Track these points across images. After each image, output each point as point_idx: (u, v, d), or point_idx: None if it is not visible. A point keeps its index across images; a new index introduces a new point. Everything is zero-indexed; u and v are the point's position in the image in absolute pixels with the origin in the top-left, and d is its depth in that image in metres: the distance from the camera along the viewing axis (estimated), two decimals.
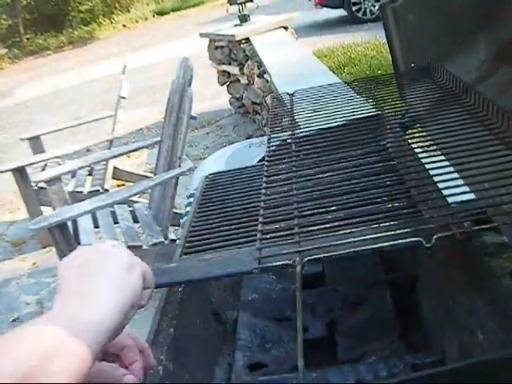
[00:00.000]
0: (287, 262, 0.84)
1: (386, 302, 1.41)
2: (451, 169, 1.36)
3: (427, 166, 1.36)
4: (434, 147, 1.51)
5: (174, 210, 3.75)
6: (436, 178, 1.28)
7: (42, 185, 4.26)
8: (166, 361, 1.13)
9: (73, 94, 11.51)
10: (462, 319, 1.15)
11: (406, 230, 0.92)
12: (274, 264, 0.88)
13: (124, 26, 22.38)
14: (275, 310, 1.45)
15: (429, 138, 1.56)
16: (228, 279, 1.62)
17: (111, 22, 22.80)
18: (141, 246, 3.49)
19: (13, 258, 4.78)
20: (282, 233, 0.98)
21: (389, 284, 1.47)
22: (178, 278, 1.21)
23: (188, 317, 1.31)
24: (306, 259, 0.82)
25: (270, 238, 0.97)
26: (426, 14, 1.87)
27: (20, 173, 4.45)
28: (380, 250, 0.99)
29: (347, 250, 0.87)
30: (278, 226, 1.00)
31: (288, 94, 1.87)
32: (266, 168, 1.31)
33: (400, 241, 0.89)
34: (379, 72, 5.61)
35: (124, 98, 5.08)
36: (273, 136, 1.57)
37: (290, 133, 1.61)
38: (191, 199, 2.05)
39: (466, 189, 1.28)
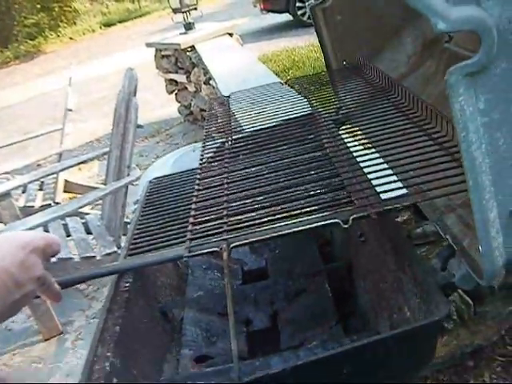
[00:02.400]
0: (215, 248, 0.88)
1: (325, 291, 1.47)
2: (381, 160, 1.42)
3: (359, 160, 1.43)
4: (365, 140, 1.58)
5: (126, 219, 3.76)
6: (366, 170, 1.34)
7: None
8: (112, 357, 1.17)
9: (20, 109, 11.37)
10: (392, 299, 1.21)
11: (326, 213, 0.97)
12: (203, 251, 0.92)
13: (71, 38, 22.18)
14: (219, 305, 1.50)
15: (360, 132, 1.63)
16: (175, 279, 1.66)
17: (58, 36, 22.57)
18: (94, 257, 3.49)
19: None
20: (211, 225, 1.03)
21: (327, 274, 1.53)
22: (113, 268, 1.25)
23: (135, 316, 1.35)
24: (232, 245, 0.87)
25: (201, 230, 1.02)
26: (354, 14, 1.94)
27: None
28: (300, 232, 1.05)
29: (270, 235, 0.92)
30: (208, 220, 1.05)
31: (224, 96, 1.92)
32: (199, 170, 1.36)
33: (319, 223, 0.95)
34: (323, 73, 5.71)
35: (71, 110, 5.06)
36: (208, 138, 1.62)
37: (225, 134, 1.66)
38: (136, 205, 2.08)
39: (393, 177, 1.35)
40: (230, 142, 1.53)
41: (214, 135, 1.66)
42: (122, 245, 3.53)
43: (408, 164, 1.30)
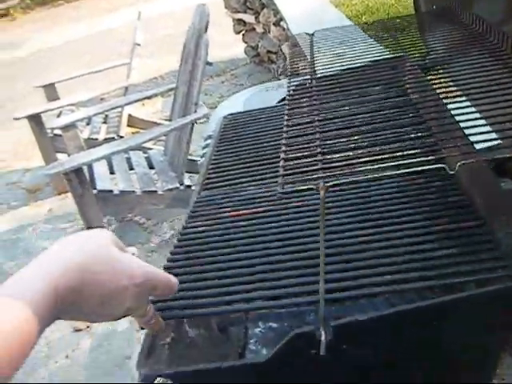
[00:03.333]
0: (311, 186, 0.84)
1: None
2: (473, 109, 1.35)
3: (449, 107, 1.35)
4: (455, 88, 1.50)
5: (189, 156, 3.75)
6: (458, 118, 1.27)
7: (58, 132, 4.28)
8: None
9: (86, 44, 11.41)
10: None
11: (430, 157, 0.92)
12: (298, 188, 0.88)
13: None
14: None
15: (451, 79, 1.54)
16: None
17: None
18: (156, 192, 3.51)
19: (28, 205, 4.80)
20: (304, 162, 0.99)
21: None
22: None
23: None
24: (330, 183, 0.83)
25: (294, 165, 0.98)
26: None
27: (35, 120, 4.46)
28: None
29: (372, 175, 0.87)
30: (300, 157, 1.00)
31: (307, 34, 1.86)
32: (287, 103, 1.31)
33: (424, 167, 0.89)
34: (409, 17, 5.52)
35: (139, 44, 5.05)
36: (293, 74, 1.56)
37: (310, 72, 1.60)
38: (209, 141, 2.05)
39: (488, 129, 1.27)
40: (315, 81, 1.48)
41: (298, 72, 1.60)
42: (185, 181, 3.54)
43: (505, 115, 1.22)
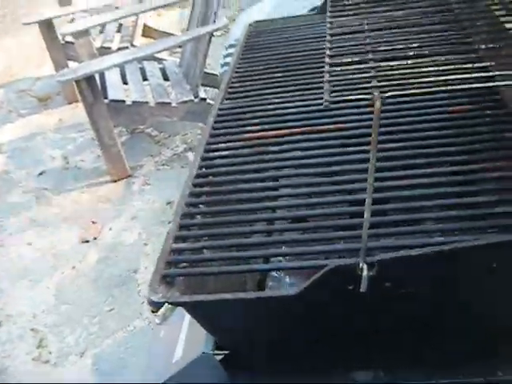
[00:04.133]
0: (365, 96, 0.71)
1: None
2: None
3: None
4: None
5: (206, 70, 3.60)
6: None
7: (70, 39, 4.13)
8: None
9: None
10: None
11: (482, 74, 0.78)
12: (350, 98, 0.75)
13: None
14: None
15: None
16: None
17: None
18: (170, 104, 3.38)
19: (39, 113, 4.68)
20: (354, 66, 0.85)
21: None
22: None
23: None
24: (386, 94, 0.70)
25: (342, 71, 0.84)
26: None
27: (47, 26, 4.29)
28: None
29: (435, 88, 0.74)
30: (349, 60, 0.87)
31: None
32: (330, 8, 1.15)
33: (486, 84, 0.76)
34: None
35: None
36: None
37: None
38: (231, 50, 1.91)
39: None
40: None
41: None
42: (200, 94, 3.40)
43: None
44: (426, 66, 0.83)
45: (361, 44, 0.98)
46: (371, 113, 0.71)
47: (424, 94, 0.88)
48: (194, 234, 1.01)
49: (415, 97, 0.93)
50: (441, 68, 0.82)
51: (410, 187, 0.96)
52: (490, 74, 0.79)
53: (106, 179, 3.56)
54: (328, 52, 0.90)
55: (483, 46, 1.06)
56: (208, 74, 3.68)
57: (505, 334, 1.00)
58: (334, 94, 0.76)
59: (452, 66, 0.83)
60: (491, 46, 1.06)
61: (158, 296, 0.88)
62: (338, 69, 0.84)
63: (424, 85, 0.77)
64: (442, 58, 0.89)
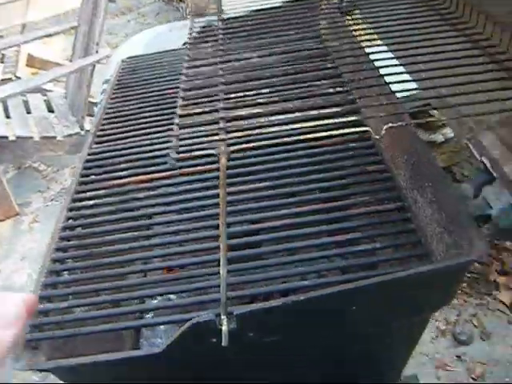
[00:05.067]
0: (211, 151, 0.71)
1: None
2: (391, 54, 1.24)
3: (367, 52, 1.23)
4: (374, 31, 1.38)
5: (91, 99, 3.53)
6: (377, 64, 1.15)
7: None
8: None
9: None
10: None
11: (354, 117, 0.79)
12: (196, 154, 0.74)
13: None
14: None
15: (369, 23, 1.42)
16: None
17: None
18: (55, 137, 3.29)
19: None
20: (204, 117, 0.84)
21: None
22: None
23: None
24: (232, 148, 0.69)
25: (191, 123, 0.83)
26: None
27: None
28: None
29: (278, 141, 0.74)
30: (200, 111, 0.86)
31: None
32: (188, 47, 1.15)
33: (349, 129, 0.77)
34: None
35: None
36: (197, 14, 1.40)
37: (216, 13, 1.44)
38: (106, 85, 1.87)
39: (408, 78, 1.16)
40: (221, 22, 1.31)
41: (202, 13, 1.44)
42: (86, 126, 3.34)
43: (434, 69, 1.10)
44: (284, 112, 0.83)
45: (213, 85, 0.97)
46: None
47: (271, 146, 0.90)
48: (61, 292, 0.97)
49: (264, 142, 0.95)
50: (300, 114, 0.82)
51: (261, 230, 0.97)
52: (354, 117, 0.80)
53: None
54: (180, 102, 0.89)
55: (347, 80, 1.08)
56: (92, 103, 3.61)
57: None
58: (182, 149, 0.75)
59: (316, 112, 0.83)
60: (354, 77, 1.08)
61: (21, 364, 0.84)
62: (188, 121, 0.83)
63: (278, 133, 0.77)
64: (305, 100, 0.90)
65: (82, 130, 3.34)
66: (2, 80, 4.22)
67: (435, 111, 1.99)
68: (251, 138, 0.77)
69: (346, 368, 0.99)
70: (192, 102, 0.89)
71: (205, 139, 0.75)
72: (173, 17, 6.19)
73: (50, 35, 4.41)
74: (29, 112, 3.62)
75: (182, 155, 0.74)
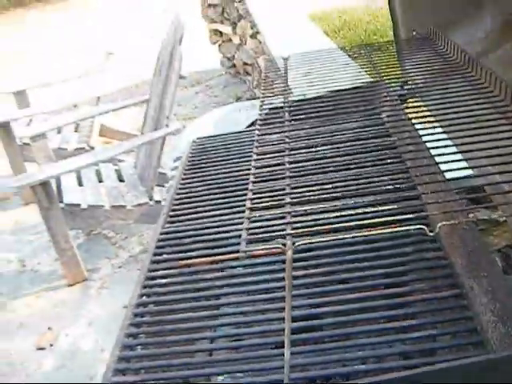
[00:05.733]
0: (278, 246, 0.77)
1: None
2: (450, 142, 1.29)
3: (426, 140, 1.29)
4: (434, 120, 1.45)
5: (160, 170, 3.68)
6: (434, 152, 1.21)
7: (27, 141, 4.17)
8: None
9: (58, 50, 11.15)
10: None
11: (409, 215, 0.85)
12: (264, 247, 0.81)
13: None
14: None
15: (428, 110, 1.49)
16: None
17: None
18: (125, 207, 3.43)
19: None
20: (272, 212, 0.92)
21: None
22: None
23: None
24: (297, 244, 0.76)
25: (259, 216, 0.90)
26: None
27: (4, 128, 4.34)
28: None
29: (340, 237, 0.80)
30: (268, 205, 0.93)
31: (282, 58, 1.79)
32: (256, 137, 1.24)
33: (403, 228, 0.83)
34: (374, 37, 5.50)
35: (112, 53, 4.96)
36: (265, 101, 1.49)
37: (282, 98, 1.53)
38: (177, 163, 1.98)
39: (465, 164, 1.22)
40: (288, 107, 1.40)
41: (271, 97, 1.53)
42: (155, 196, 3.46)
43: (481, 150, 1.15)
44: (346, 208, 0.90)
45: (281, 177, 1.05)
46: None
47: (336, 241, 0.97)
48: (134, 366, 1.04)
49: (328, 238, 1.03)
50: (360, 211, 0.88)
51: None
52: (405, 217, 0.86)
53: (63, 283, 3.52)
54: (249, 195, 0.97)
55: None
56: (162, 174, 3.76)
57: None
58: (250, 245, 0.82)
59: (375, 209, 0.90)
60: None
61: None
62: (257, 214, 0.90)
63: (341, 229, 0.83)
64: (366, 198, 0.96)
65: (150, 199, 3.46)
66: (76, 149, 4.45)
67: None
68: (315, 231, 0.83)
69: None
70: (260, 196, 0.96)
71: (272, 234, 0.82)
72: (240, 90, 6.40)
73: (123, 107, 4.64)
74: (100, 181, 3.80)
75: (250, 249, 0.81)
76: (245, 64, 6.33)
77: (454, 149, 1.26)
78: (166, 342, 1.05)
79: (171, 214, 1.38)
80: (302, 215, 0.89)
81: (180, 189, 1.49)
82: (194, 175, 1.54)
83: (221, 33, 6.96)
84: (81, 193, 3.64)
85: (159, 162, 3.54)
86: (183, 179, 1.53)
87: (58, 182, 3.61)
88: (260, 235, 0.84)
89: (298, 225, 0.86)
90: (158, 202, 3.47)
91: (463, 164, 1.21)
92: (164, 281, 1.18)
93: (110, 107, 4.41)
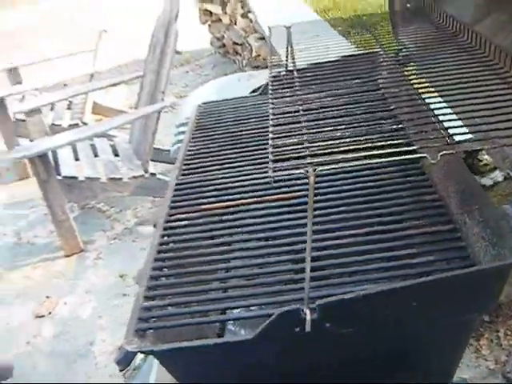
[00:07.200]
0: (301, 171, 0.88)
1: None
2: (445, 104, 1.40)
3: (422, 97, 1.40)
4: (429, 84, 1.55)
5: (155, 146, 3.75)
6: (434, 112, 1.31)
7: (21, 116, 4.22)
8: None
9: (47, 28, 11.09)
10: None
11: (413, 147, 0.97)
12: (290, 172, 0.92)
13: None
14: None
15: (424, 75, 1.59)
16: None
17: None
18: (121, 179, 3.51)
19: None
20: (293, 147, 1.02)
21: None
22: None
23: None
24: (318, 169, 0.87)
25: (283, 152, 1.01)
26: None
27: None
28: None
29: (359, 162, 0.91)
30: (288, 142, 1.04)
31: (285, 26, 1.88)
32: (271, 92, 1.34)
33: (408, 156, 0.94)
34: (364, 17, 5.59)
35: (105, 31, 5.01)
36: (274, 65, 1.59)
37: (289, 63, 1.63)
38: (182, 128, 2.07)
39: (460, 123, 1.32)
40: (296, 72, 1.50)
41: (277, 64, 1.63)
42: (150, 169, 3.54)
43: (477, 111, 1.26)
44: (357, 144, 1.01)
45: (297, 122, 1.16)
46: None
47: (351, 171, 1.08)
48: (160, 293, 1.14)
49: (345, 169, 1.15)
50: (370, 145, 1.00)
51: (343, 246, 1.14)
52: (411, 148, 0.97)
53: (59, 254, 3.61)
54: (271, 135, 1.07)
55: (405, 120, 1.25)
56: (156, 149, 3.83)
57: None
58: (277, 171, 0.92)
59: (381, 144, 1.01)
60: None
61: (133, 346, 1.01)
62: (280, 149, 1.00)
63: (353, 159, 0.94)
64: (373, 136, 1.07)
65: (146, 172, 3.55)
66: (70, 125, 4.51)
67: (486, 156, 2.13)
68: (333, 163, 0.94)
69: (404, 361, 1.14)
70: (281, 136, 1.07)
71: (296, 163, 0.93)
72: (229, 69, 6.46)
73: (115, 84, 4.70)
74: (96, 155, 3.88)
75: (277, 175, 0.91)
76: (234, 44, 6.39)
77: (449, 110, 1.37)
78: (186, 273, 1.15)
79: (184, 167, 1.47)
80: (319, 150, 1.00)
81: (191, 146, 1.58)
82: (203, 134, 1.63)
83: (211, 13, 7.00)
84: (77, 166, 3.70)
85: (154, 137, 3.62)
86: (193, 138, 1.62)
87: (55, 156, 3.67)
88: (284, 163, 0.95)
89: (319, 152, 0.98)
90: (153, 174, 3.56)
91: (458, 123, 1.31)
92: (184, 222, 1.28)
93: (102, 84, 4.47)
